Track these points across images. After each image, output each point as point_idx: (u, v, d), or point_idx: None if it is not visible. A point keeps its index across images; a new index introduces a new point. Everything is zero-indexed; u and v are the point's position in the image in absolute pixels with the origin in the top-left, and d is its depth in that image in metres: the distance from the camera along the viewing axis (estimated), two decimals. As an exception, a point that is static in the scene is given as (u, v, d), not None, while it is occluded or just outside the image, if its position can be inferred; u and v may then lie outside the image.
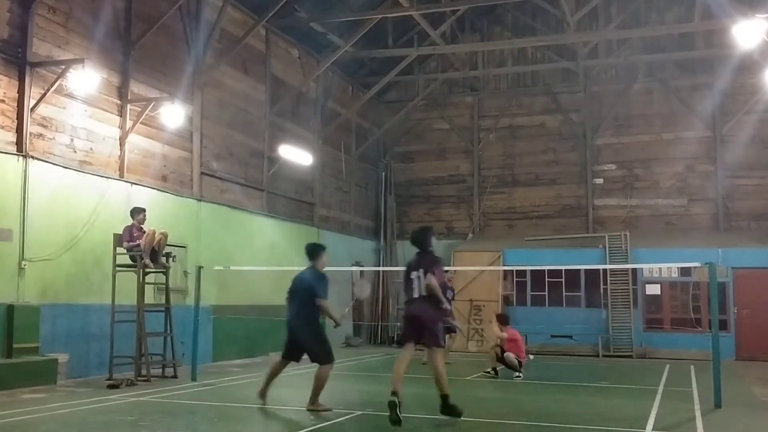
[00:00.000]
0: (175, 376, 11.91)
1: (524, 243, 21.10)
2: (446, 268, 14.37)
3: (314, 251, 9.05)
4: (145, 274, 11.80)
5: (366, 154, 23.25)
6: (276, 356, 9.26)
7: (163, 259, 12.07)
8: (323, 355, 8.65)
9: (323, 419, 8.04)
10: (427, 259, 8.15)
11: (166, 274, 12.21)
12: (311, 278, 8.77)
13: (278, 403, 9.76)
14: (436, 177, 23.65)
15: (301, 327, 8.72)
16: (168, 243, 12.22)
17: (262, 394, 8.99)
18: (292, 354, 8.89)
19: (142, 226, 11.86)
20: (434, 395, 10.38)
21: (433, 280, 7.87)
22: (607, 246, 19.67)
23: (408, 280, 8.14)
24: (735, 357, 17.64)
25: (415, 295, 7.99)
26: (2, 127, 10.96)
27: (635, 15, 21.18)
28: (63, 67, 11.41)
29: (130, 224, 11.85)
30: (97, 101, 12.52)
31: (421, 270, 7.98)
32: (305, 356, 8.83)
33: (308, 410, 8.46)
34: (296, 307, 8.77)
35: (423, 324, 7.85)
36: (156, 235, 11.70)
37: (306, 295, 8.66)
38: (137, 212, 11.97)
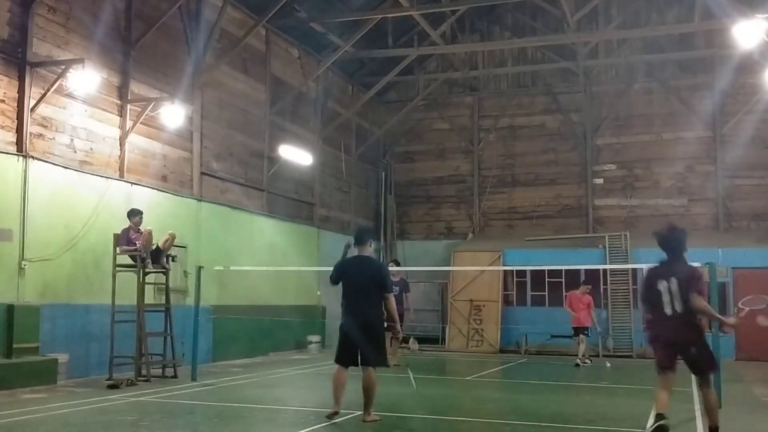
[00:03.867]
0: (175, 376, 11.91)
1: (524, 243, 21.10)
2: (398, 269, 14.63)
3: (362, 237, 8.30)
4: (145, 274, 11.81)
5: (366, 154, 23.25)
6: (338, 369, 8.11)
7: (164, 260, 12.08)
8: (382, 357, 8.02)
9: (323, 419, 8.03)
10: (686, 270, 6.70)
11: (166, 274, 12.21)
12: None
13: (279, 403, 9.76)
14: (436, 177, 23.65)
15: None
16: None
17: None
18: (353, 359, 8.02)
19: (139, 228, 11.87)
20: (434, 395, 10.40)
21: (701, 302, 6.62)
22: (607, 246, 19.67)
23: (654, 291, 6.70)
24: (735, 357, 17.63)
25: (668, 311, 6.60)
26: (2, 127, 10.96)
27: (635, 15, 21.19)
28: (63, 67, 11.41)
29: (127, 227, 11.85)
30: (97, 101, 12.52)
31: (674, 280, 6.56)
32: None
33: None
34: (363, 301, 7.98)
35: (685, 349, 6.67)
36: (153, 234, 11.70)
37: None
38: (134, 214, 11.95)
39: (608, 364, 15.73)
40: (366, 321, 7.85)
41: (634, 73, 21.78)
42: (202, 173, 15.38)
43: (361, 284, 7.96)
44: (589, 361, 16.01)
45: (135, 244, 11.66)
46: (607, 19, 21.37)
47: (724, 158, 20.62)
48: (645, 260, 18.07)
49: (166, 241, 12.03)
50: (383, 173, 23.86)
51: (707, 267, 9.99)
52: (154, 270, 12.11)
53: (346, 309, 8.04)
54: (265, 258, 16.82)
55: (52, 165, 11.56)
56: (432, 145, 23.81)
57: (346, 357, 7.96)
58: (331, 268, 8.42)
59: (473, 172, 23.24)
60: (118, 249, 11.70)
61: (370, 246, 8.33)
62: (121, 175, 13.02)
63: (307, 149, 18.78)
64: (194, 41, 15.04)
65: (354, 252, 8.25)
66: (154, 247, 11.81)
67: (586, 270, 18.87)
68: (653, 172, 21.41)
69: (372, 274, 7.99)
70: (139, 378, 11.31)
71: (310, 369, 14.15)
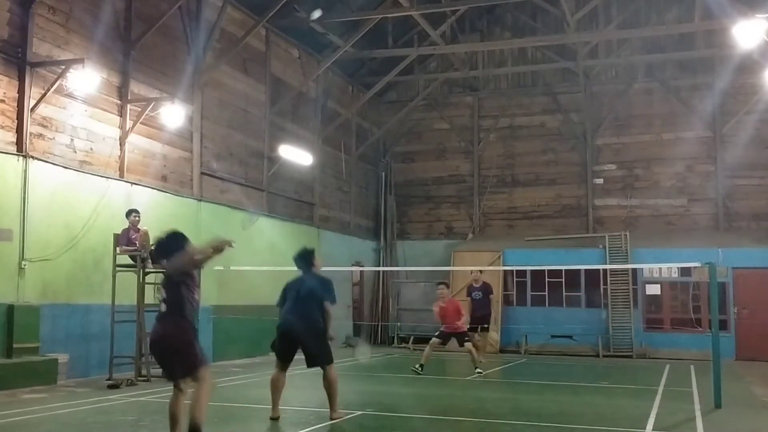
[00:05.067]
0: (175, 376, 11.89)
1: (524, 243, 21.10)
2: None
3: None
4: (145, 274, 11.81)
5: (366, 154, 23.25)
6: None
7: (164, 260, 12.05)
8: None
9: (323, 419, 8.04)
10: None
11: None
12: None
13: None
14: (436, 177, 23.64)
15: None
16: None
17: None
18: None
19: (138, 227, 11.87)
20: (434, 395, 10.42)
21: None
22: (607, 246, 19.66)
23: None
24: (735, 357, 17.64)
25: None
26: (2, 127, 10.96)
27: (635, 15, 21.17)
28: (63, 67, 11.41)
29: (126, 227, 11.86)
30: (97, 101, 12.52)
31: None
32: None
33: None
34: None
35: None
36: (149, 234, 11.68)
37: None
38: (128, 214, 11.96)
39: None
40: None
41: (634, 73, 21.77)
42: (202, 173, 15.38)
43: None
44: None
45: (135, 244, 11.67)
46: (607, 19, 21.36)
47: (724, 158, 20.61)
48: (645, 260, 18.23)
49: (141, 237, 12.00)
50: (383, 173, 23.86)
51: (707, 267, 10.00)
52: (154, 270, 12.10)
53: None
54: (265, 258, 16.80)
55: (52, 165, 11.56)
56: (432, 145, 23.81)
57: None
58: (331, 268, 8.55)
59: (473, 172, 23.24)
60: (118, 249, 11.70)
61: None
62: (121, 175, 13.01)
63: (307, 149, 18.78)
64: (194, 41, 15.04)
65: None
66: (153, 246, 11.80)
67: (586, 270, 18.92)
68: (653, 172, 21.41)
69: None
70: (139, 378, 11.31)
71: (310, 369, 14.11)
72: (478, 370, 13.34)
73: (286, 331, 8.15)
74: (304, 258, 8.81)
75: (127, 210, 12.07)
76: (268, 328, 16.72)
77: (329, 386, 8.10)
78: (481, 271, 17.01)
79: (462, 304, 14.34)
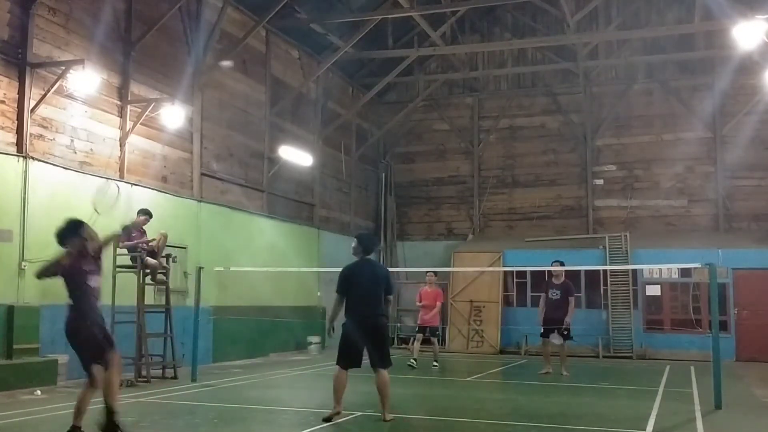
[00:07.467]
0: (175, 377, 11.92)
1: (524, 244, 21.08)
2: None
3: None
4: (146, 275, 11.80)
5: (366, 155, 23.25)
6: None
7: (163, 260, 12.08)
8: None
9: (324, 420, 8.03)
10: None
11: (166, 274, 12.21)
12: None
13: (279, 404, 9.77)
14: (436, 178, 23.64)
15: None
16: (168, 244, 12.23)
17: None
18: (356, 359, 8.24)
19: (143, 228, 11.85)
20: (434, 395, 10.42)
21: None
22: (607, 247, 19.65)
23: None
24: (735, 358, 17.62)
25: None
26: (2, 128, 10.96)
27: (635, 16, 21.19)
28: (63, 68, 11.42)
29: (129, 224, 11.84)
30: (97, 102, 12.52)
31: None
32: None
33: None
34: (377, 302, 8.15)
35: None
36: (167, 237, 11.71)
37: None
38: (139, 214, 11.94)
39: None
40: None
41: (634, 74, 21.77)
42: (202, 174, 15.38)
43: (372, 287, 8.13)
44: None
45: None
46: (607, 19, 21.37)
47: (724, 159, 20.61)
48: (645, 261, 18.23)
49: (158, 241, 12.02)
50: (383, 174, 23.85)
51: (707, 268, 10.00)
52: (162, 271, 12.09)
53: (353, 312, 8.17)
54: (265, 259, 16.80)
55: (52, 166, 11.57)
56: (432, 146, 23.81)
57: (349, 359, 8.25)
58: (331, 269, 8.52)
59: (473, 173, 23.24)
60: (120, 244, 11.69)
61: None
62: (121, 176, 13.01)
63: (307, 150, 18.78)
64: (194, 42, 15.05)
65: None
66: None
67: (586, 271, 18.89)
68: (653, 173, 21.40)
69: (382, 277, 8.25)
70: (139, 379, 11.32)
71: (310, 370, 14.14)
72: (435, 363, 14.52)
73: None
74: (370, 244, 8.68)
75: (139, 209, 12.04)
76: (268, 328, 16.78)
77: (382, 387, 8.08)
78: (562, 263, 14.02)
79: (442, 295, 15.55)
